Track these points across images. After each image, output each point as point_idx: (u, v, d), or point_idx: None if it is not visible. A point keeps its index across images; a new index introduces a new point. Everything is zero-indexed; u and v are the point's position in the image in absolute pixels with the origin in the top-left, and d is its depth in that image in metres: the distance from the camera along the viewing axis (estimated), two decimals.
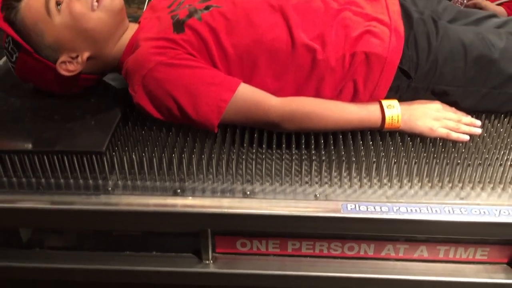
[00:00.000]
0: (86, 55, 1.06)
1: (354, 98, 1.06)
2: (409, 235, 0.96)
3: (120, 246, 1.04)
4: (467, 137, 1.02)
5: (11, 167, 0.99)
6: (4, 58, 1.32)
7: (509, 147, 1.05)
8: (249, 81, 1.03)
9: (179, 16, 1.06)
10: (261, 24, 1.03)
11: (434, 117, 1.03)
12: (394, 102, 1.02)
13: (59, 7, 1.03)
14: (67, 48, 1.05)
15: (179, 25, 1.04)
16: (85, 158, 0.97)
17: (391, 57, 1.02)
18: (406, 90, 1.06)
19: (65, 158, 0.97)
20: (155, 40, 1.03)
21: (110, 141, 0.99)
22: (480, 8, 2.28)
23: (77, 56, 1.06)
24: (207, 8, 1.06)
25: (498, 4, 2.28)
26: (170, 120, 1.04)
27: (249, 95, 1.01)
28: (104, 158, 0.97)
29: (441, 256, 0.99)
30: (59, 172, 0.98)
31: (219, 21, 1.03)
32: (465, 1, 2.32)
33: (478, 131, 1.04)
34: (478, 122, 1.06)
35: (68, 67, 1.06)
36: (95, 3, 1.04)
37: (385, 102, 1.02)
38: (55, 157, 0.97)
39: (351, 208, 0.92)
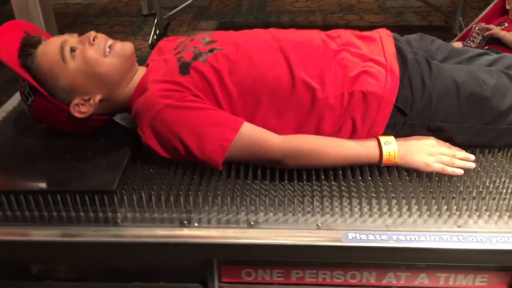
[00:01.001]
0: (98, 97, 1.12)
1: (353, 134, 1.10)
2: (409, 263, 0.99)
3: (129, 277, 1.07)
4: (461, 171, 1.06)
5: (25, 203, 1.03)
6: (15, 99, 1.39)
7: (503, 178, 1.08)
8: (252, 118, 1.07)
9: (185, 59, 1.12)
10: (262, 64, 1.09)
11: (429, 153, 1.07)
12: (391, 139, 1.07)
13: (73, 53, 1.09)
14: (81, 91, 1.11)
15: (184, 68, 1.10)
16: (96, 197, 1.01)
17: (387, 96, 1.07)
18: (402, 127, 1.11)
19: (77, 196, 1.01)
20: (162, 83, 1.08)
21: (120, 180, 1.03)
22: (497, 38, 2.32)
23: (89, 99, 1.12)
24: (211, 50, 1.12)
25: None
26: (177, 158, 1.09)
27: (252, 134, 1.05)
28: (114, 195, 1.02)
29: (441, 283, 1.01)
30: (71, 207, 1.02)
31: (222, 63, 1.09)
32: (478, 38, 2.35)
33: (472, 165, 1.08)
34: (472, 157, 1.09)
35: (81, 109, 1.12)
36: (107, 49, 1.10)
37: (382, 139, 1.07)
38: (67, 195, 1.01)
39: (352, 237, 0.95)
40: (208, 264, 1.01)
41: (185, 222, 0.99)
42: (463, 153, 1.10)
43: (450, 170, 1.05)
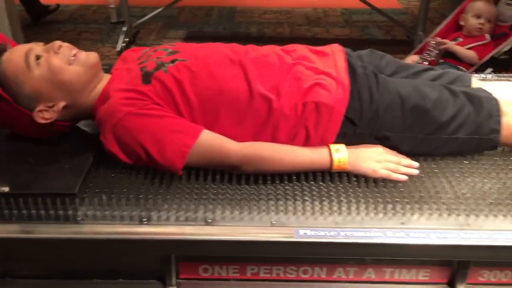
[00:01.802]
0: (62, 104, 1.15)
1: (307, 142, 1.16)
2: (356, 257, 1.05)
3: (88, 274, 1.09)
4: (405, 177, 1.13)
5: None
6: None
7: (443, 183, 1.15)
8: (211, 127, 1.12)
9: (147, 68, 1.16)
10: (222, 76, 1.14)
11: (377, 160, 1.14)
12: (341, 147, 1.14)
13: (38, 60, 1.12)
14: (45, 98, 1.13)
15: (147, 77, 1.14)
16: (58, 199, 1.04)
17: (337, 107, 1.14)
18: (352, 136, 1.18)
19: (40, 198, 1.04)
20: (125, 92, 1.12)
21: (82, 183, 1.07)
22: (452, 52, 2.45)
23: (53, 105, 1.15)
24: (173, 61, 1.17)
25: (468, 48, 2.46)
26: (138, 164, 1.13)
27: (211, 141, 1.10)
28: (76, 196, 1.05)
29: (387, 277, 1.07)
30: (33, 207, 1.05)
31: (183, 73, 1.14)
32: (434, 51, 2.47)
33: (416, 171, 1.15)
34: (416, 164, 1.17)
35: (44, 115, 1.14)
36: (72, 58, 1.14)
37: (333, 147, 1.14)
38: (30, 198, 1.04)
39: (303, 233, 1.00)
40: (166, 260, 1.05)
41: (144, 219, 1.03)
42: (407, 161, 1.17)
43: (395, 176, 1.13)
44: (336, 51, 1.28)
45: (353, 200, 1.08)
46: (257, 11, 4.30)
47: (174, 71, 1.14)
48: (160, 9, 3.84)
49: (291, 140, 1.16)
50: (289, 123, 1.15)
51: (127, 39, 3.61)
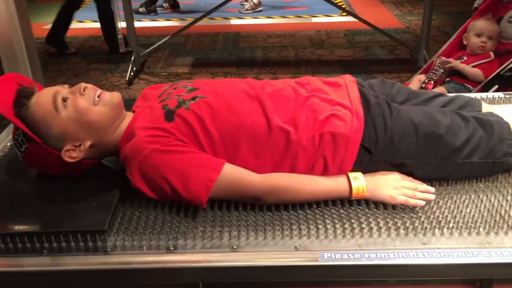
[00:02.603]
0: (88, 143, 1.19)
1: (325, 171, 1.20)
2: (380, 279, 1.07)
3: None
4: (423, 202, 1.16)
5: (20, 242, 1.08)
6: (7, 145, 1.45)
7: (460, 203, 1.18)
8: (232, 160, 1.16)
9: (169, 106, 1.21)
10: (241, 111, 1.19)
11: (394, 186, 1.17)
12: (359, 175, 1.17)
13: (65, 102, 1.17)
14: (72, 138, 1.18)
15: (169, 115, 1.19)
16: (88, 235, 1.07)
17: (353, 136, 1.18)
18: (368, 163, 1.21)
19: (71, 236, 1.08)
20: (149, 130, 1.17)
21: (111, 220, 1.11)
22: (458, 70, 2.49)
23: (80, 145, 1.19)
24: (193, 98, 1.22)
25: (473, 66, 2.51)
26: (164, 199, 1.16)
27: (233, 174, 1.14)
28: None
29: None
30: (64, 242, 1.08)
31: (204, 110, 1.19)
32: (439, 70, 2.51)
33: (432, 196, 1.17)
34: (432, 189, 1.19)
35: (71, 154, 1.18)
36: (97, 98, 1.19)
37: (351, 175, 1.17)
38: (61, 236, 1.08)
39: (327, 257, 1.02)
40: (195, 287, 1.07)
41: (172, 248, 1.06)
42: (424, 186, 1.20)
43: (412, 201, 1.15)
44: (349, 81, 1.33)
45: (374, 222, 1.11)
46: (261, 36, 4.38)
47: (195, 108, 1.19)
48: (167, 38, 3.92)
49: (309, 170, 1.19)
50: (307, 154, 1.18)
51: (135, 68, 3.68)
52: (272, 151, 1.18)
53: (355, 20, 4.00)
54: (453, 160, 1.22)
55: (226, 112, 1.19)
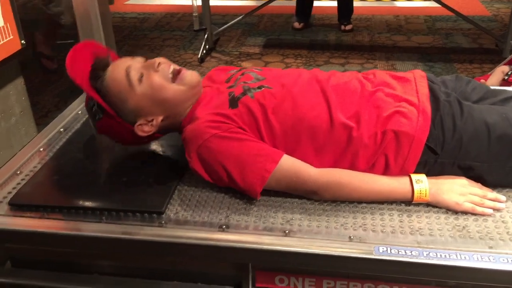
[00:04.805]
0: (160, 118, 1.21)
1: (386, 171, 1.14)
2: (438, 280, 1.01)
3: (169, 275, 1.14)
4: (491, 211, 1.07)
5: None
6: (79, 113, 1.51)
7: None
8: (291, 153, 1.13)
9: (235, 93, 1.20)
10: (304, 105, 1.16)
11: (460, 192, 1.09)
12: (423, 177, 1.10)
13: (139, 78, 1.18)
14: (146, 113, 1.20)
15: (234, 101, 1.18)
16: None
17: (418, 136, 1.11)
18: (433, 165, 1.13)
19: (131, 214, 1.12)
20: (212, 115, 1.16)
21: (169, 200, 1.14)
22: None
23: (152, 120, 1.21)
24: (259, 87, 1.20)
25: None
26: (219, 184, 1.16)
27: (290, 166, 1.11)
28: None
29: None
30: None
31: (268, 100, 1.16)
32: None
33: (502, 206, 1.08)
34: (503, 198, 1.10)
35: (144, 128, 1.21)
36: (170, 75, 1.19)
37: (414, 177, 1.10)
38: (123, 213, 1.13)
39: (382, 251, 0.98)
40: (244, 268, 1.07)
41: (224, 227, 1.06)
42: (493, 194, 1.11)
43: (480, 210, 1.07)
44: (418, 77, 1.25)
45: (436, 221, 1.04)
46: (335, 19, 4.25)
47: (260, 97, 1.17)
48: (240, 17, 3.92)
49: (370, 169, 1.14)
50: (368, 151, 1.13)
51: (208, 46, 3.72)
52: (333, 147, 1.14)
53: (438, 5, 3.78)
54: None
55: (289, 104, 1.16)
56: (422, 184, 1.08)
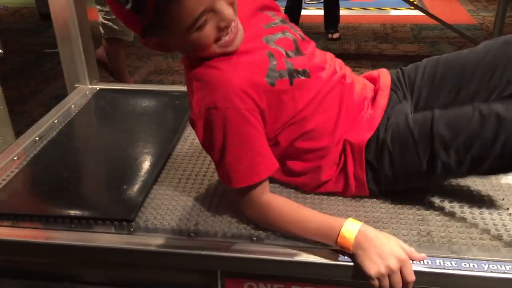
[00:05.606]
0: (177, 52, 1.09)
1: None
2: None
3: (139, 285, 1.14)
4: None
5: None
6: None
7: None
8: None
9: (276, 63, 1.06)
10: (325, 111, 1.11)
11: (386, 265, 0.93)
12: (360, 223, 0.98)
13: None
14: (169, 49, 1.04)
15: (272, 74, 1.05)
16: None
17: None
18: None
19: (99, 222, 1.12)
20: (247, 84, 1.01)
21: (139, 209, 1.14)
22: None
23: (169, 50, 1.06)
24: (303, 73, 1.09)
25: None
26: (206, 150, 1.07)
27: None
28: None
29: None
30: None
31: (299, 101, 1.08)
32: None
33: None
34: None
35: (154, 46, 1.02)
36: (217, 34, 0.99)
37: (351, 219, 0.99)
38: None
39: (347, 257, 0.99)
40: (212, 275, 1.07)
41: (192, 234, 1.06)
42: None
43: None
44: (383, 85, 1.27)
45: (402, 226, 1.05)
46: (323, 27, 4.29)
47: (297, 91, 1.08)
48: None
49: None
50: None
51: None
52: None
53: (424, 14, 3.83)
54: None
55: (314, 109, 1.10)
56: (355, 225, 0.98)
